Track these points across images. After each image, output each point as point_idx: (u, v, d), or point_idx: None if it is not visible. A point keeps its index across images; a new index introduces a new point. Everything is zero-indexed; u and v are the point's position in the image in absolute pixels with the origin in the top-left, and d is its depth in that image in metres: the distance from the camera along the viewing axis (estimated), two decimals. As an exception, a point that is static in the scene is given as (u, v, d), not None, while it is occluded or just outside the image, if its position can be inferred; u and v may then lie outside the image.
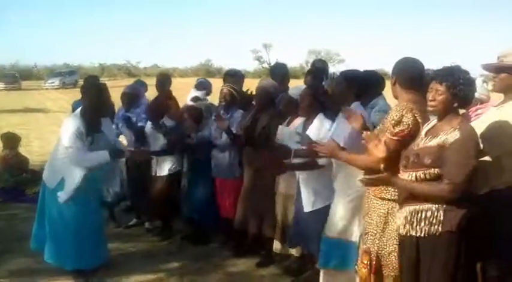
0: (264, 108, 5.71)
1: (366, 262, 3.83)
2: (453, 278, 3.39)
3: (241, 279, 5.56)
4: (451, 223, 3.33)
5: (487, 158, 3.80)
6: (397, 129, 3.65)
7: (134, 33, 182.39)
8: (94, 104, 5.41)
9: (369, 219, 3.90)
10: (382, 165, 3.59)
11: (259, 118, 5.69)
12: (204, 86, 7.07)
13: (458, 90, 3.37)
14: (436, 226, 3.37)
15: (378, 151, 3.59)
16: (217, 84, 7.27)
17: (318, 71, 6.34)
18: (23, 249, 6.12)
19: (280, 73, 6.55)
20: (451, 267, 3.37)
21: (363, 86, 4.64)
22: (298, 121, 5.20)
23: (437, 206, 3.38)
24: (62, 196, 5.29)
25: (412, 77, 3.85)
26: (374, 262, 3.81)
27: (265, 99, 5.74)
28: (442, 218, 3.35)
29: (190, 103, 6.57)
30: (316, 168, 4.84)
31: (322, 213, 4.83)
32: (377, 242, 3.81)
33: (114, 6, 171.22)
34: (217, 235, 6.68)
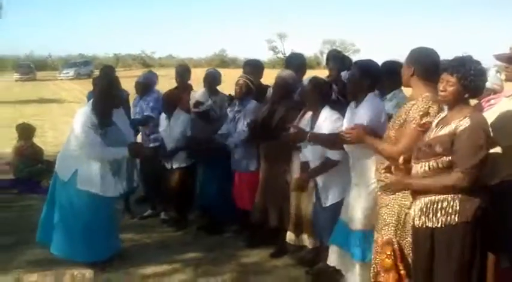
0: (281, 100, 5.69)
1: (389, 253, 3.84)
2: (469, 268, 3.42)
3: (255, 269, 5.60)
4: (466, 213, 3.36)
5: (498, 149, 3.83)
6: (424, 120, 3.71)
7: (149, 23, 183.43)
8: (104, 95, 5.43)
9: (390, 210, 3.93)
10: (401, 158, 3.62)
11: (276, 109, 5.68)
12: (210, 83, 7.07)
13: (469, 81, 3.39)
14: (452, 216, 3.39)
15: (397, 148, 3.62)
16: (232, 74, 7.30)
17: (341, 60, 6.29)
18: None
19: (296, 63, 6.45)
20: (466, 257, 3.40)
21: (378, 77, 4.61)
22: (310, 113, 5.22)
23: (453, 196, 3.40)
24: (78, 182, 5.32)
25: (432, 68, 3.85)
26: (398, 251, 3.84)
27: (283, 90, 5.72)
28: (458, 207, 3.38)
29: (195, 110, 6.65)
30: (333, 166, 4.88)
31: (338, 207, 4.89)
32: (399, 232, 3.87)
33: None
34: (231, 225, 6.73)
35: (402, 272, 3.83)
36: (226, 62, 70.83)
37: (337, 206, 4.92)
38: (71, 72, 52.34)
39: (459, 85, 3.40)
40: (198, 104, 6.61)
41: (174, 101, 6.83)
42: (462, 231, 3.39)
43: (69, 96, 30.79)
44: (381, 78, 4.69)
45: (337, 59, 6.28)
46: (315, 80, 5.19)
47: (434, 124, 3.60)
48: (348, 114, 4.66)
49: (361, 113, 4.42)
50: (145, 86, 7.38)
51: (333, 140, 4.68)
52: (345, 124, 4.62)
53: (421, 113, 3.71)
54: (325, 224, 5.07)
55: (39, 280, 3.09)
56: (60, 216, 5.48)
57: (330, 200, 5.05)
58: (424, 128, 3.68)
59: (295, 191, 5.31)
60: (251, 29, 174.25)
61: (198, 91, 7.00)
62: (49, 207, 5.64)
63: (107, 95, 5.43)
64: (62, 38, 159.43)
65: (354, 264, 4.62)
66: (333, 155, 4.86)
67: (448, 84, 3.44)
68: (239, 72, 6.69)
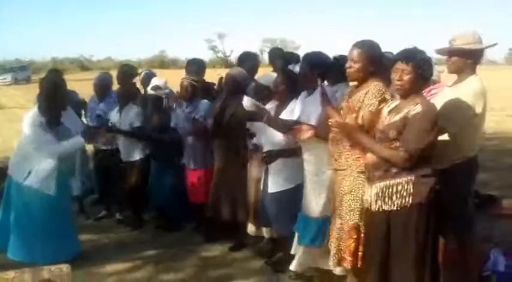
0: (232, 96, 5.80)
1: (356, 237, 3.99)
2: (423, 249, 3.61)
3: (215, 263, 5.70)
4: (420, 195, 3.54)
5: (446, 135, 4.08)
6: (382, 106, 3.85)
7: (86, 26, 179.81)
8: (49, 96, 5.45)
9: (354, 196, 4.03)
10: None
11: (227, 106, 5.78)
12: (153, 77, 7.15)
13: (423, 69, 3.58)
14: (407, 198, 3.57)
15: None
16: (172, 76, 7.38)
17: (287, 55, 6.45)
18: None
19: (249, 62, 6.59)
20: (421, 239, 3.59)
21: (327, 68, 4.77)
22: (268, 107, 5.30)
23: (406, 179, 3.58)
24: (33, 181, 5.33)
25: (378, 60, 4.04)
26: (363, 235, 3.98)
27: (233, 87, 5.83)
28: (412, 190, 3.56)
29: (151, 92, 6.66)
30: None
31: (288, 195, 5.04)
32: (364, 217, 3.98)
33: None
34: (188, 222, 6.80)
35: (360, 253, 4.00)
36: (166, 63, 70.25)
37: (285, 195, 5.08)
38: (8, 77, 50.67)
39: (414, 73, 3.57)
40: (156, 88, 6.61)
41: (128, 95, 6.88)
42: (417, 213, 3.57)
43: (10, 102, 29.93)
44: (330, 69, 4.83)
45: (280, 56, 6.49)
46: (286, 73, 5.30)
47: (386, 112, 3.77)
48: (299, 103, 4.81)
49: (311, 104, 4.58)
50: (103, 88, 7.36)
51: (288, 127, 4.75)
52: (297, 113, 4.78)
53: (379, 99, 3.85)
54: (271, 210, 5.23)
55: (17, 277, 3.12)
56: (15, 219, 5.45)
57: (275, 186, 5.18)
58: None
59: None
60: (190, 29, 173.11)
61: (159, 79, 7.00)
62: (4, 212, 5.59)
63: (52, 96, 5.45)
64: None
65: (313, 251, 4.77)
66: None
67: (404, 72, 3.59)
68: (179, 73, 6.77)
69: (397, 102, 3.79)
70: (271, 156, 5.15)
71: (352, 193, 4.05)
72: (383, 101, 3.86)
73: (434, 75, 5.11)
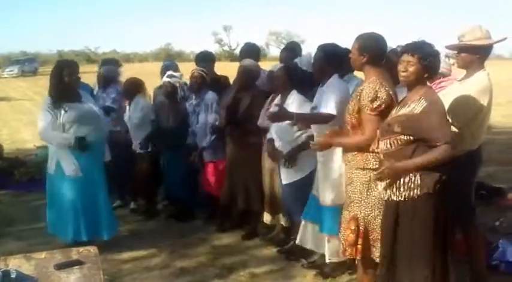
0: (246, 88, 5.93)
1: (353, 228, 4.06)
2: (434, 236, 3.66)
3: (228, 251, 5.82)
4: (427, 186, 3.58)
5: (453, 128, 4.17)
6: (375, 105, 3.90)
7: (92, 18, 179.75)
8: (54, 78, 5.60)
9: (353, 188, 4.12)
10: (375, 144, 3.87)
11: (241, 97, 5.90)
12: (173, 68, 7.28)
13: (428, 61, 3.62)
14: (415, 190, 3.61)
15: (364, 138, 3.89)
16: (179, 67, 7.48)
17: (293, 47, 6.59)
18: (12, 233, 6.38)
19: (253, 53, 6.66)
20: (430, 227, 3.64)
21: (341, 60, 4.79)
22: (277, 100, 5.43)
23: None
24: (72, 174, 5.56)
25: (382, 54, 4.11)
26: (362, 227, 4.06)
27: (247, 78, 5.95)
28: (419, 182, 3.60)
29: (166, 79, 6.75)
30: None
31: (301, 184, 5.15)
32: (363, 208, 4.06)
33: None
34: (201, 212, 6.93)
35: (359, 246, 4.07)
36: (172, 56, 70.11)
37: (300, 183, 5.18)
38: (15, 69, 50.83)
39: (419, 65, 3.62)
40: (171, 76, 6.72)
41: (134, 87, 7.02)
42: (425, 203, 3.62)
43: (17, 94, 30.08)
44: (345, 61, 4.78)
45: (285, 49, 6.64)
46: (286, 66, 5.42)
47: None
48: (317, 94, 4.89)
49: (327, 92, 4.66)
50: (106, 79, 7.46)
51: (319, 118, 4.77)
52: (314, 103, 4.87)
53: (369, 99, 3.91)
54: (288, 201, 5.36)
55: (48, 257, 3.25)
56: (50, 198, 5.80)
57: (288, 177, 5.28)
58: (378, 111, 3.91)
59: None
60: (195, 22, 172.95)
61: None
62: (50, 200, 5.86)
63: (55, 75, 5.59)
64: (1, 35, 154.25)
65: (323, 238, 4.88)
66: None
67: (409, 64, 3.65)
68: (185, 65, 6.86)
69: (404, 94, 3.87)
70: (290, 159, 5.22)
71: (352, 184, 4.12)
72: (374, 99, 3.90)
73: (444, 68, 5.24)
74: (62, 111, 5.48)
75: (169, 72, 6.78)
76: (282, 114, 4.82)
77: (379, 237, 4.01)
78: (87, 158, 5.60)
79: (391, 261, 3.82)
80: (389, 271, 3.83)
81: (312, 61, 5.09)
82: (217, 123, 6.24)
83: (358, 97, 4.00)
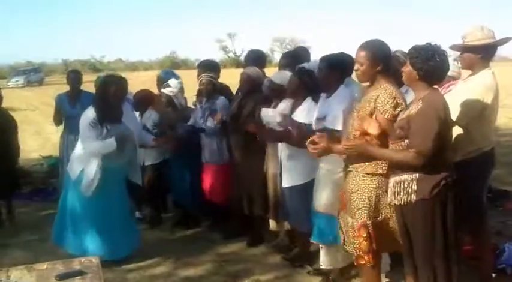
0: (249, 95, 5.93)
1: (365, 235, 4.00)
2: (432, 241, 3.69)
3: (233, 258, 5.81)
4: (423, 192, 3.62)
5: (459, 128, 4.17)
6: (397, 111, 3.85)
7: (97, 27, 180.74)
8: (100, 94, 5.64)
9: (360, 195, 4.02)
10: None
11: (245, 104, 5.90)
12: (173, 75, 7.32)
13: (419, 63, 3.62)
14: (412, 195, 3.66)
15: (373, 128, 3.86)
16: (182, 76, 7.48)
17: (296, 54, 6.51)
18: (18, 243, 6.41)
19: (258, 60, 6.66)
20: (429, 232, 3.68)
21: (346, 69, 4.78)
22: (283, 105, 5.38)
23: (412, 176, 3.66)
24: (85, 189, 5.48)
25: (385, 59, 4.02)
26: (372, 233, 4.01)
27: (250, 85, 5.95)
28: (415, 187, 3.64)
29: (163, 90, 6.82)
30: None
31: (302, 190, 5.11)
32: (371, 214, 4.00)
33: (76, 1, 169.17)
34: (205, 219, 6.93)
35: (374, 251, 4.03)
36: (177, 64, 70.44)
37: (298, 189, 5.16)
38: (21, 80, 50.91)
39: (410, 66, 3.66)
40: (166, 86, 6.81)
41: (146, 100, 6.97)
42: (421, 208, 3.66)
43: (22, 104, 30.17)
44: (350, 70, 4.76)
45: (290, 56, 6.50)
46: (301, 70, 5.32)
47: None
48: (320, 104, 4.88)
49: (334, 104, 4.63)
50: None
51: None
52: (316, 114, 4.83)
53: (393, 105, 3.84)
54: (286, 205, 5.33)
55: (50, 268, 3.25)
56: (71, 215, 5.67)
57: (288, 181, 5.26)
58: (396, 118, 3.84)
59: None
60: (200, 30, 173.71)
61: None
62: (62, 208, 5.79)
63: (102, 92, 5.60)
64: (6, 45, 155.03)
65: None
66: None
67: (404, 66, 3.76)
68: (190, 73, 6.86)
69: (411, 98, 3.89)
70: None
71: (359, 192, 4.03)
72: (396, 106, 3.86)
73: (454, 72, 5.22)
74: (104, 130, 5.46)
75: (166, 83, 6.83)
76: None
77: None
78: (112, 173, 5.58)
79: (412, 263, 3.88)
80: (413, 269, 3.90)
81: (316, 73, 5.06)
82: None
83: (373, 103, 3.92)
